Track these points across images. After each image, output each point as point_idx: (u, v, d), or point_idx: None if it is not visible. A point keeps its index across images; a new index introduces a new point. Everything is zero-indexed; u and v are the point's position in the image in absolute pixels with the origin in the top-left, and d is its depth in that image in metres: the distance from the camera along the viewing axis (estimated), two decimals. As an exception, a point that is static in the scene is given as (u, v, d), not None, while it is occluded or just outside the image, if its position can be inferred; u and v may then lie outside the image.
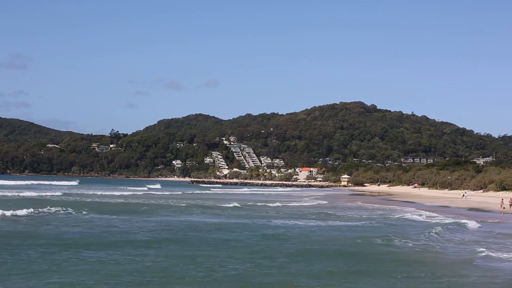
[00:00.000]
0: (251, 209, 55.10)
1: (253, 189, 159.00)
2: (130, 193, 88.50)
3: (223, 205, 59.57)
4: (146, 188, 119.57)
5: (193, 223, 36.67)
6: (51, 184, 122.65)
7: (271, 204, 64.29)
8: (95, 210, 45.00)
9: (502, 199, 71.03)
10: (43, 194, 73.08)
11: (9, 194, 69.58)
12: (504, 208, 64.52)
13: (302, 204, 68.68)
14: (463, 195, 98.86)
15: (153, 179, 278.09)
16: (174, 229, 32.93)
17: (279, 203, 66.66)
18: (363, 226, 38.43)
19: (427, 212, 53.85)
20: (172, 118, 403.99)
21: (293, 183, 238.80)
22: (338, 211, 55.20)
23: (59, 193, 75.56)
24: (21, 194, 69.94)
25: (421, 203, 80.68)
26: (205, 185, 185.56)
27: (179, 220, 38.73)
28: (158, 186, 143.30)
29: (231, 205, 59.29)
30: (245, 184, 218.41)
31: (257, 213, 49.25)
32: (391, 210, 59.68)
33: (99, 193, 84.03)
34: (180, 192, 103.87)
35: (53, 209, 42.98)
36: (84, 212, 42.04)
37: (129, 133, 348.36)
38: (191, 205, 58.66)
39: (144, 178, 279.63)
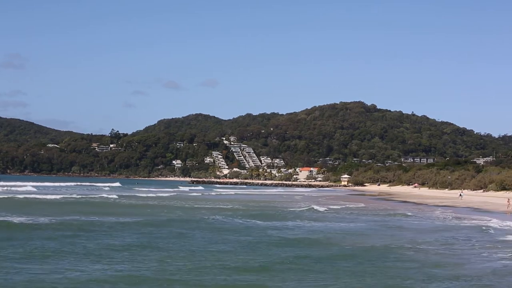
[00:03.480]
0: (335, 212, 55.61)
1: (273, 189, 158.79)
2: (198, 194, 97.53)
3: (298, 208, 59.62)
4: (179, 189, 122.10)
5: (351, 230, 36.70)
6: (93, 185, 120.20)
7: (330, 206, 65.44)
8: (237, 215, 45.85)
9: (508, 199, 69.94)
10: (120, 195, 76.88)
11: (110, 196, 72.56)
12: None
13: (348, 206, 68.06)
14: (460, 195, 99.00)
15: (153, 179, 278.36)
16: (367, 234, 34.38)
17: (338, 206, 66.72)
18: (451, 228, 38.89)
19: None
20: (172, 118, 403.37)
21: (294, 183, 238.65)
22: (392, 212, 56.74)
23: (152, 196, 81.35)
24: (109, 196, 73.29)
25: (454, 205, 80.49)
26: (219, 186, 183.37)
27: (339, 227, 38.83)
28: (200, 187, 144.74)
29: (310, 207, 60.07)
30: (245, 184, 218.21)
31: (347, 216, 50.07)
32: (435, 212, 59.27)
33: (173, 194, 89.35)
34: (231, 193, 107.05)
35: (206, 216, 43.50)
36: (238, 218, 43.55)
37: (129, 133, 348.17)
38: (278, 208, 58.89)
39: (144, 178, 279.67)
